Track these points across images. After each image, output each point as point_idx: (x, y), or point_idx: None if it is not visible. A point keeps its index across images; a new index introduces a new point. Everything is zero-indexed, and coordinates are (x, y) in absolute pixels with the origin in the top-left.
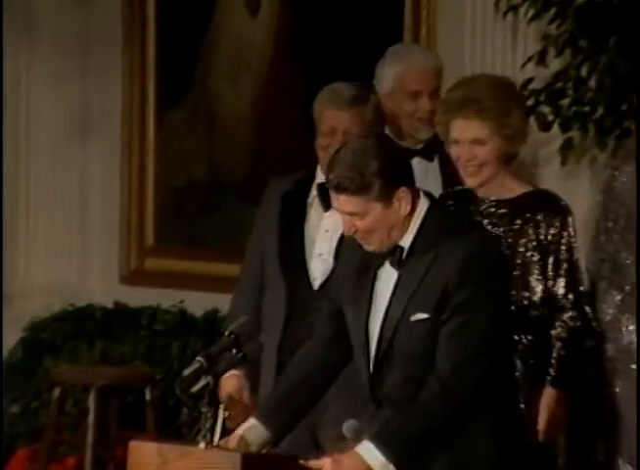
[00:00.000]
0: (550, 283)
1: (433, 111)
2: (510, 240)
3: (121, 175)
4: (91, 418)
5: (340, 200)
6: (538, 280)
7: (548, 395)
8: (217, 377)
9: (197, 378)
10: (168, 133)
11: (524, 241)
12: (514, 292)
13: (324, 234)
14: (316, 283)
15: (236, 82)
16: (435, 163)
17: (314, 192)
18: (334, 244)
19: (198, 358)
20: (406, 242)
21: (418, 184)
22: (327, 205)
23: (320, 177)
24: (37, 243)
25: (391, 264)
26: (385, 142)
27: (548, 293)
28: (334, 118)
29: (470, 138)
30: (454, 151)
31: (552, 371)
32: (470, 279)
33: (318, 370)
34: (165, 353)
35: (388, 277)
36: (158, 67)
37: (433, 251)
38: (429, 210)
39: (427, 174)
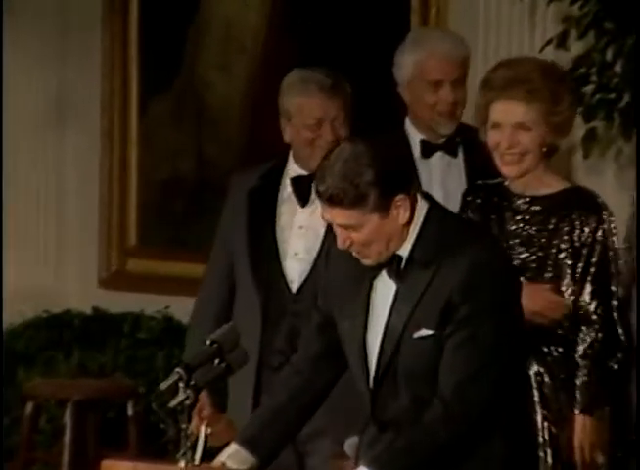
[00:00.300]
0: (577, 289)
1: (456, 102)
2: (543, 240)
3: (101, 169)
4: (67, 436)
5: (332, 212)
6: (569, 286)
7: (579, 422)
8: (198, 390)
9: (176, 391)
10: (153, 123)
11: (556, 242)
12: None
13: (298, 231)
14: (294, 286)
15: (227, 67)
16: (460, 158)
17: (287, 188)
18: (310, 241)
19: (176, 370)
20: (405, 251)
21: (439, 180)
22: (303, 200)
23: (293, 170)
24: (7, 242)
25: (389, 275)
26: (378, 147)
27: (575, 300)
28: (319, 108)
29: (514, 122)
30: (493, 136)
31: (578, 396)
32: (474, 292)
33: (305, 389)
34: (149, 364)
35: (385, 288)
36: (141, 50)
37: (434, 261)
38: (428, 213)
39: (449, 169)
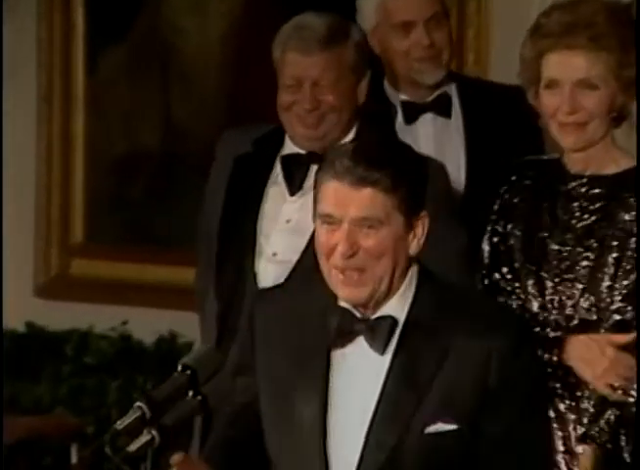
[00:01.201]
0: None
1: (433, 45)
2: (602, 233)
3: (38, 142)
4: None
5: (356, 197)
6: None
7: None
8: (166, 431)
9: (137, 432)
10: (104, 82)
11: (616, 242)
12: (592, 298)
13: (284, 225)
14: None
15: (202, 8)
16: (457, 119)
17: (278, 166)
18: (295, 242)
19: (137, 405)
20: (398, 310)
21: (429, 148)
22: (293, 186)
23: (289, 147)
24: None
25: (373, 346)
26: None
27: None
28: (298, 66)
29: (575, 79)
30: (548, 98)
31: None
32: (520, 374)
33: None
34: (100, 398)
35: (360, 366)
36: None
37: (444, 329)
38: (420, 274)
39: (443, 135)
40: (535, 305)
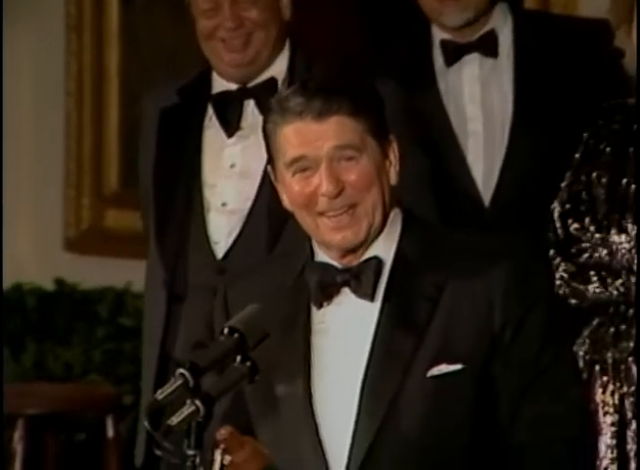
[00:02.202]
0: None
1: None
2: None
3: (66, 79)
4: (17, 466)
5: (325, 128)
6: None
7: None
8: (212, 402)
9: (179, 403)
10: (142, 12)
11: None
12: None
13: (229, 171)
14: (219, 248)
15: None
16: (506, 60)
17: (210, 109)
18: (245, 186)
19: (180, 372)
20: (384, 251)
21: (477, 96)
22: (230, 127)
23: (218, 84)
24: None
25: (359, 292)
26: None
27: None
28: None
29: None
30: None
31: None
32: (537, 310)
33: None
34: (138, 364)
35: (347, 321)
36: None
37: (436, 270)
38: (405, 214)
39: (489, 78)
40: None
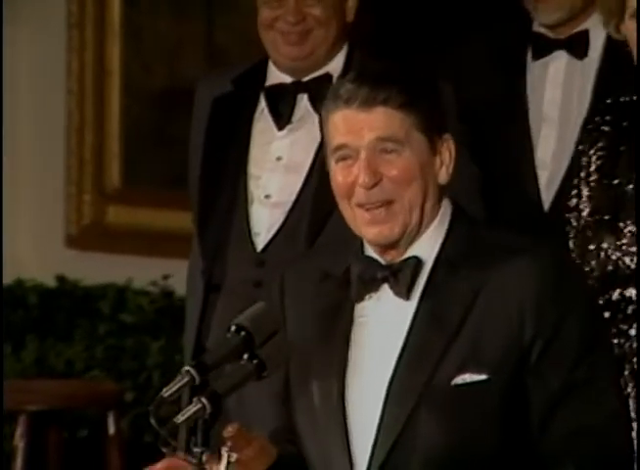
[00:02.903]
0: None
1: None
2: None
3: (68, 75)
4: (19, 463)
5: (370, 118)
6: None
7: None
8: (218, 400)
9: (185, 401)
10: (143, 9)
11: None
12: None
13: (275, 164)
14: (259, 240)
15: None
16: (592, 60)
17: (263, 101)
18: (290, 180)
19: (185, 369)
20: (426, 251)
21: (558, 94)
22: (281, 120)
23: (274, 76)
24: None
25: (396, 291)
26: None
27: None
28: None
29: None
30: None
31: None
32: (570, 320)
33: None
34: (140, 360)
35: (384, 315)
36: None
37: (475, 276)
38: (455, 213)
39: (573, 79)
40: (616, 255)
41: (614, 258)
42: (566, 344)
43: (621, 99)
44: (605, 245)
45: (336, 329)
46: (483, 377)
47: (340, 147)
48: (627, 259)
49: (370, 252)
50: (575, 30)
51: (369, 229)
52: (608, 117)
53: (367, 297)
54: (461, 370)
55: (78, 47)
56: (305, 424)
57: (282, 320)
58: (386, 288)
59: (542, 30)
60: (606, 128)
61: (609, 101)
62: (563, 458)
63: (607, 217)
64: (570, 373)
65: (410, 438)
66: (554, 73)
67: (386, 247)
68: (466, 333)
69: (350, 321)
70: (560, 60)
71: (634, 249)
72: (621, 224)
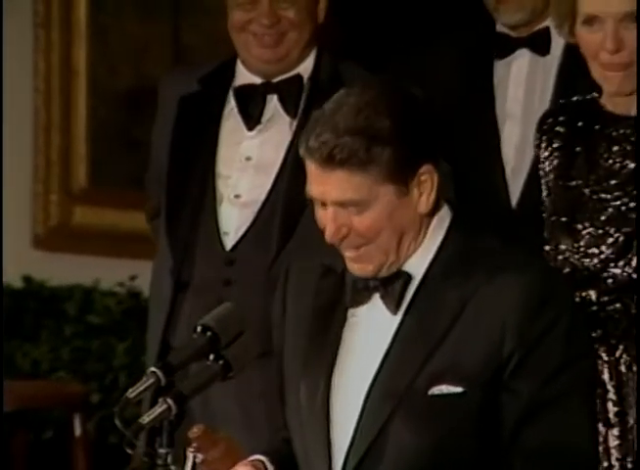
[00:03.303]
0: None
1: None
2: None
3: (35, 74)
4: None
5: (329, 179)
6: None
7: None
8: (183, 400)
9: (151, 402)
10: (109, 9)
11: None
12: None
13: (244, 164)
14: (228, 240)
15: None
16: (554, 57)
17: (232, 101)
18: (259, 180)
19: (151, 370)
20: (416, 267)
21: (519, 89)
22: (250, 120)
23: (242, 76)
24: None
25: (386, 303)
26: (400, 94)
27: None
28: None
29: (620, 12)
30: (587, 37)
31: None
32: (545, 342)
33: None
34: (106, 361)
35: (373, 324)
36: None
37: (463, 285)
38: (452, 223)
39: (535, 77)
40: (575, 257)
41: (572, 260)
42: (540, 362)
43: (574, 98)
44: (562, 247)
45: (329, 327)
46: (459, 390)
47: (312, 196)
48: (587, 261)
49: None
50: (537, 28)
51: (352, 265)
52: (562, 118)
53: (357, 305)
54: (439, 381)
55: (45, 47)
56: (293, 421)
57: (281, 314)
58: (377, 297)
59: (505, 30)
60: (560, 129)
61: (562, 101)
62: None
63: (564, 219)
64: (540, 391)
65: (383, 445)
66: (517, 71)
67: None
68: (448, 344)
69: (344, 320)
70: (522, 58)
71: (593, 250)
72: (579, 226)
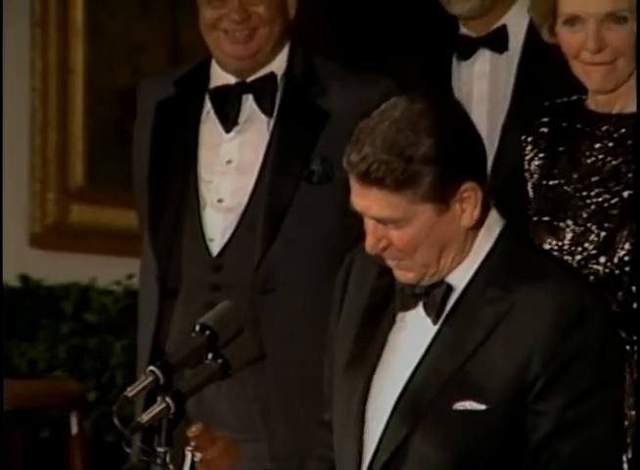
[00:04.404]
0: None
1: None
2: (630, 176)
3: (32, 73)
4: None
5: (368, 196)
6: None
7: None
8: (182, 399)
9: (149, 400)
10: (107, 7)
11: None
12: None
13: (225, 167)
14: (214, 245)
15: None
16: (514, 54)
17: (208, 103)
18: (241, 183)
19: (150, 369)
20: (459, 279)
21: (483, 88)
22: (227, 122)
23: (217, 76)
24: None
25: (427, 311)
26: (445, 108)
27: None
28: None
29: (602, 12)
30: (568, 37)
31: None
32: (573, 368)
33: None
34: (103, 360)
35: (416, 330)
36: None
37: (502, 301)
38: (503, 232)
39: (498, 75)
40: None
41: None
42: (567, 384)
43: (558, 100)
44: (546, 246)
45: (378, 328)
46: (483, 407)
47: (355, 208)
48: (569, 259)
49: None
50: (494, 27)
51: (395, 271)
52: (546, 119)
53: (404, 310)
54: (464, 397)
55: (42, 46)
56: (334, 417)
57: (339, 302)
58: (421, 306)
59: (465, 31)
60: (545, 130)
61: (547, 103)
62: None
63: (546, 218)
64: (565, 412)
65: (405, 453)
66: (479, 71)
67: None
68: (477, 360)
69: (392, 323)
70: (484, 57)
71: (576, 248)
72: (562, 224)
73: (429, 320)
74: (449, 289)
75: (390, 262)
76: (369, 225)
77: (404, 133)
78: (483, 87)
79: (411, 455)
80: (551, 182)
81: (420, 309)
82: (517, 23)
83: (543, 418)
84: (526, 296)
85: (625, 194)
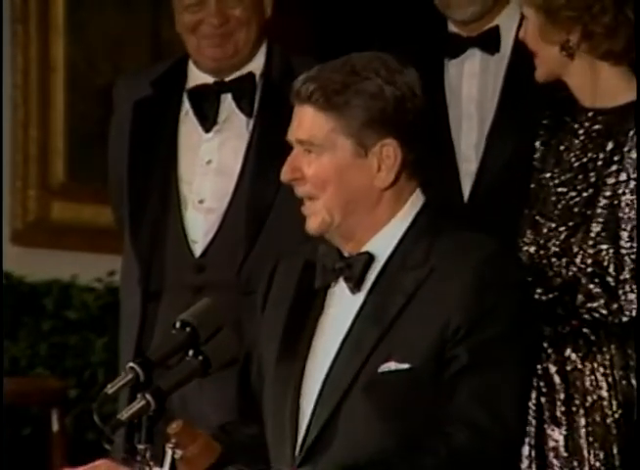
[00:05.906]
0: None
1: None
2: (593, 174)
3: (13, 70)
4: None
5: (299, 114)
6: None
7: None
8: (162, 396)
9: (130, 397)
10: (87, 5)
11: (612, 181)
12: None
13: (206, 168)
14: (197, 247)
15: None
16: (504, 55)
17: (186, 103)
18: (222, 183)
19: (130, 366)
20: (381, 248)
21: (472, 87)
22: (206, 121)
23: (194, 76)
24: None
25: (348, 283)
26: (403, 68)
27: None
28: None
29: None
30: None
31: None
32: (487, 319)
33: None
34: (84, 357)
35: (342, 308)
36: None
37: (421, 267)
38: (423, 208)
39: (484, 74)
40: (533, 250)
41: (531, 251)
42: (477, 333)
43: (557, 95)
44: (526, 239)
45: (307, 316)
46: (406, 366)
47: (289, 140)
48: (542, 253)
49: (337, 242)
50: (486, 27)
51: (307, 219)
52: (548, 112)
53: (332, 285)
54: (388, 358)
55: (22, 42)
56: (267, 408)
57: (261, 304)
58: (341, 283)
59: (456, 30)
60: (546, 122)
61: (551, 96)
62: (455, 422)
63: (529, 212)
64: (473, 355)
65: (334, 429)
66: (469, 71)
67: (343, 238)
68: (400, 324)
69: (321, 310)
70: (474, 57)
71: (547, 244)
72: (540, 219)
73: (354, 297)
74: (371, 258)
75: (303, 209)
76: (290, 156)
77: (355, 68)
78: (473, 86)
79: (340, 427)
80: (541, 176)
81: (341, 286)
82: (508, 26)
83: (455, 360)
84: (445, 260)
85: (585, 194)
